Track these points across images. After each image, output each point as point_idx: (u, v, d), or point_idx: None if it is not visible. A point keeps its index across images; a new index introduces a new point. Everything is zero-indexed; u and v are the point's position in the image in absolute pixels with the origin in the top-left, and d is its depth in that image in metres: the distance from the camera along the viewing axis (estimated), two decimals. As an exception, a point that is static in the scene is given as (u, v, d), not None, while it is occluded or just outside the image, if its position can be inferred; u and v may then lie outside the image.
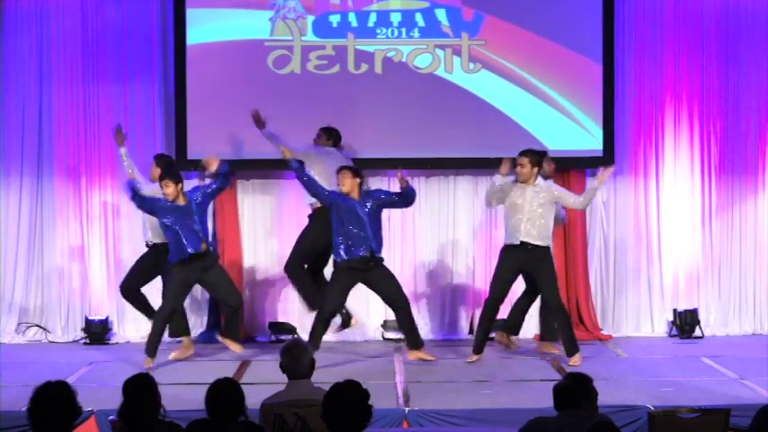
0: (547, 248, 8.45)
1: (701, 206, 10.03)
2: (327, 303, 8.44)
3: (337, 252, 8.35)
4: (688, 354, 9.01)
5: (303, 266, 9.13)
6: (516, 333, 9.03)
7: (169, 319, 8.53)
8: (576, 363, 8.28)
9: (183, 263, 8.32)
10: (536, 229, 8.36)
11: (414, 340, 8.55)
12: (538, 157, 8.48)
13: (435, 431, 6.63)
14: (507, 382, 7.83)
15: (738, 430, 5.96)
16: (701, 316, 9.86)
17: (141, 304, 9.10)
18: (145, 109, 9.87)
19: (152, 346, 8.37)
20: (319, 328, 8.41)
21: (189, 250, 8.26)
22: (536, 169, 8.41)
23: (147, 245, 9.03)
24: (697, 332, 9.78)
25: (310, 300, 9.00)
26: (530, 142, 9.66)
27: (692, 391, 7.41)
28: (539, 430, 4.71)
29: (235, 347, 8.68)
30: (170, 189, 8.26)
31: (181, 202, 8.30)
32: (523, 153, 8.47)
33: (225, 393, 4.65)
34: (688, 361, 8.67)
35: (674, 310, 9.88)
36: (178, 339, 8.95)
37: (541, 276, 8.44)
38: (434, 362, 8.48)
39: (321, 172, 8.84)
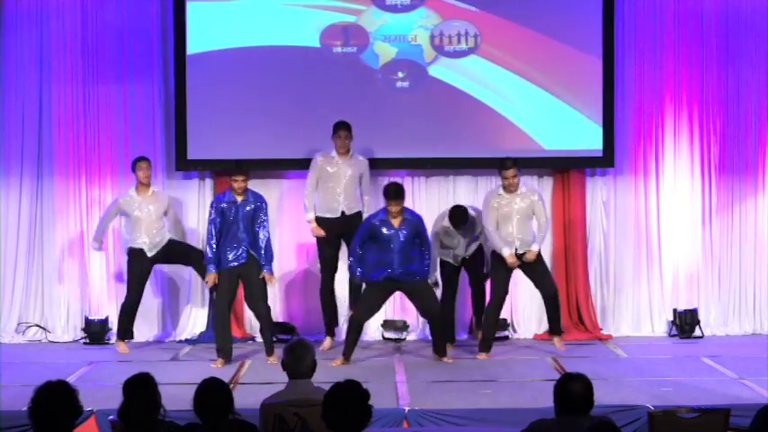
0: (538, 253, 8.82)
1: (701, 206, 10.02)
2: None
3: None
4: (688, 354, 9.00)
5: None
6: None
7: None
8: (560, 345, 8.93)
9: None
10: (526, 237, 8.71)
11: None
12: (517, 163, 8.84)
13: (435, 431, 6.63)
14: (507, 383, 7.82)
15: (738, 430, 5.96)
16: (701, 316, 9.85)
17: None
18: (145, 109, 9.88)
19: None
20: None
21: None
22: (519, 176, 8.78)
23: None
24: (697, 332, 9.78)
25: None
26: (530, 142, 9.69)
27: (691, 390, 7.40)
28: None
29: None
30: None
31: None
32: (512, 163, 8.71)
33: (212, 393, 4.64)
34: (688, 361, 8.67)
35: (674, 310, 9.88)
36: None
37: (537, 274, 8.84)
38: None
39: None
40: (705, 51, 9.97)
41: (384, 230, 8.39)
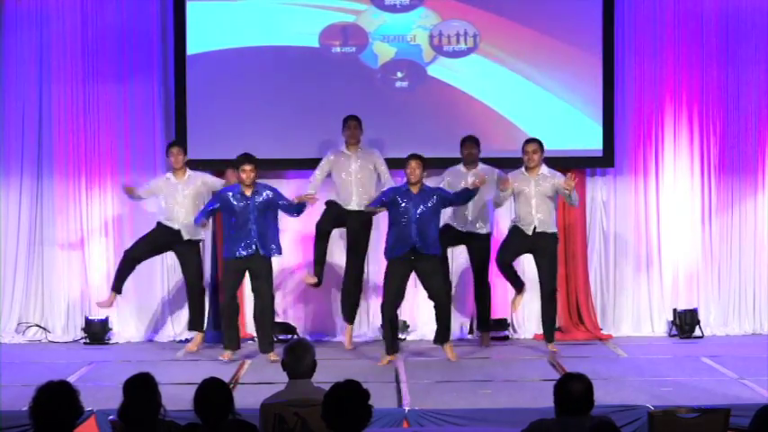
0: (556, 235, 8.97)
1: (701, 206, 10.03)
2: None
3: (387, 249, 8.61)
4: (688, 353, 9.00)
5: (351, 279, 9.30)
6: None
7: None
8: (553, 349, 8.81)
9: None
10: (546, 218, 8.81)
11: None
12: (542, 144, 8.88)
13: (435, 431, 6.63)
14: (507, 382, 7.83)
15: (738, 430, 5.95)
16: (701, 316, 9.86)
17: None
18: (145, 109, 9.88)
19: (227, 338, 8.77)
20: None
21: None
22: (542, 155, 8.82)
23: None
24: (697, 332, 9.78)
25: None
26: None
27: (691, 390, 7.40)
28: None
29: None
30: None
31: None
32: (532, 140, 8.90)
33: (212, 393, 4.64)
34: (688, 361, 8.67)
35: (674, 310, 9.88)
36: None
37: (545, 264, 8.85)
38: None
39: None
40: (705, 51, 9.97)
41: (402, 201, 8.42)
